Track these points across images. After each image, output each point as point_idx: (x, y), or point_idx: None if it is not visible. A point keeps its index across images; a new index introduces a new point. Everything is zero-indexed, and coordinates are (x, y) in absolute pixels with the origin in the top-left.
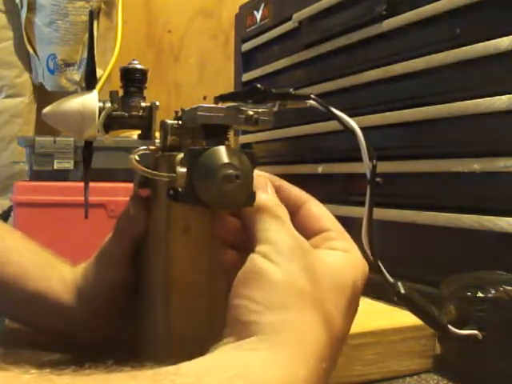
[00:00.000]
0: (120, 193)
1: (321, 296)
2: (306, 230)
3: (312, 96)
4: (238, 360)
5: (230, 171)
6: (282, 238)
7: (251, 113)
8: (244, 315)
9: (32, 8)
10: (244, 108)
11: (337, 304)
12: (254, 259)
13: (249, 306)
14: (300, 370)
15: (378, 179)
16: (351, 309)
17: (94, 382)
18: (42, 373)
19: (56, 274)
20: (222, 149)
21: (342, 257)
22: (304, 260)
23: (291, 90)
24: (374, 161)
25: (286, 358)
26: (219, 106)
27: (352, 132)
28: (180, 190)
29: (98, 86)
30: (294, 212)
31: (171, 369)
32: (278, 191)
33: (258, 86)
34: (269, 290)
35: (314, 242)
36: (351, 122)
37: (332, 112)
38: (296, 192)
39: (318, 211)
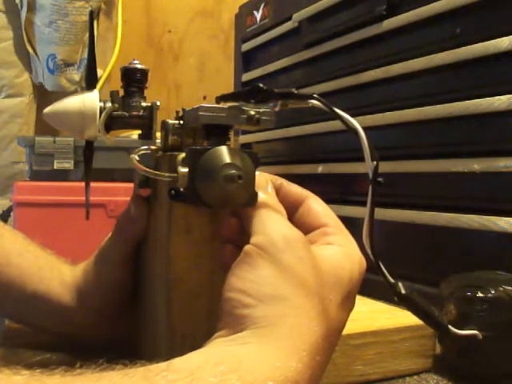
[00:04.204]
0: (120, 193)
1: (316, 288)
2: (305, 226)
3: (315, 96)
4: (229, 354)
5: (233, 171)
6: (277, 229)
7: (253, 113)
8: (237, 309)
9: (32, 8)
10: (245, 108)
11: (332, 297)
12: (248, 251)
13: (242, 299)
14: (293, 363)
15: (379, 179)
16: (347, 303)
17: (86, 382)
18: (33, 373)
19: (55, 275)
20: (223, 149)
21: (339, 251)
22: (299, 252)
23: (294, 89)
24: (376, 161)
25: (278, 351)
26: (221, 105)
27: (355, 132)
28: (182, 190)
29: (98, 85)
30: (295, 209)
31: (163, 365)
32: (279, 190)
33: (261, 85)
34: (262, 283)
35: (312, 237)
36: (354, 122)
37: (335, 112)
38: (296, 190)
39: (316, 207)
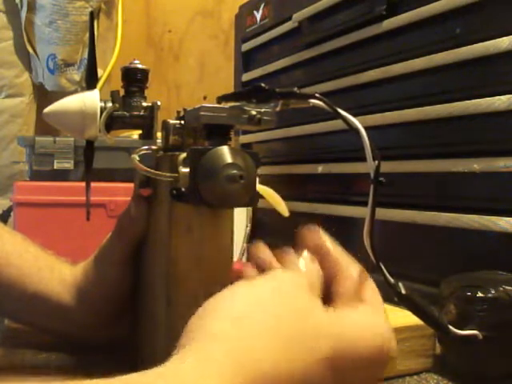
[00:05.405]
0: (120, 193)
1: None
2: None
3: (317, 95)
4: (169, 370)
5: (234, 171)
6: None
7: (254, 112)
8: (192, 323)
9: (32, 8)
10: (247, 108)
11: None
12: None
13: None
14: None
15: (381, 178)
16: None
17: None
18: None
19: (55, 275)
20: (225, 149)
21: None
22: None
23: (295, 89)
24: (378, 160)
25: (217, 371)
26: (222, 105)
27: (357, 132)
28: (183, 190)
29: (98, 85)
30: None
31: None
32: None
33: (262, 85)
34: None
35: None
36: (356, 122)
37: (337, 111)
38: (337, 257)
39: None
